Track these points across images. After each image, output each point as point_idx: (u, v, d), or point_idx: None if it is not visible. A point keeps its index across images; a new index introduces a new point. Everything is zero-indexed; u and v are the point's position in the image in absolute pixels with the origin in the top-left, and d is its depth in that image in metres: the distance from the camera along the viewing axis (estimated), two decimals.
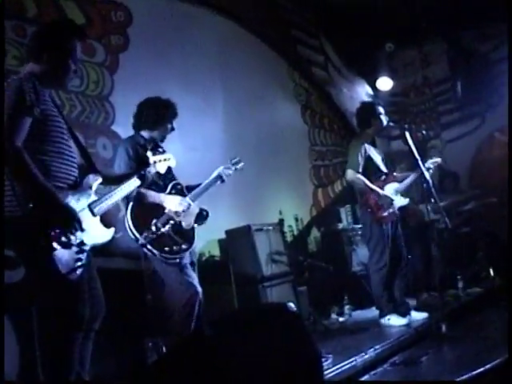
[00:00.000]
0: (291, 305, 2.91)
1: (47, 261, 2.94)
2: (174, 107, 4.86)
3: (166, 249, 4.41)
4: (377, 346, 4.81)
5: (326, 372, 3.90)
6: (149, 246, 4.33)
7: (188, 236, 4.65)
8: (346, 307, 6.90)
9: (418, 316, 5.92)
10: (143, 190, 4.42)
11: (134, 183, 3.77)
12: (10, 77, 3.27)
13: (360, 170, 5.95)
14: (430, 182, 5.68)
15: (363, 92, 10.48)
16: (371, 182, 5.97)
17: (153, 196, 4.55)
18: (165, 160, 4.18)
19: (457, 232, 8.12)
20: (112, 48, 6.40)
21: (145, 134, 4.83)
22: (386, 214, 5.93)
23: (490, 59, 9.95)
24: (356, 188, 6.17)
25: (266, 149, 8.22)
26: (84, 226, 3.15)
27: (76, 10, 6.06)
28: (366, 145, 6.13)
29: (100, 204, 3.39)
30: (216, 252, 6.78)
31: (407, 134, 5.71)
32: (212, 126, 7.49)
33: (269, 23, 9.07)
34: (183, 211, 4.62)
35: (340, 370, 4.25)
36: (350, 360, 4.43)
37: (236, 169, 5.19)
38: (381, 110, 6.25)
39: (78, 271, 3.07)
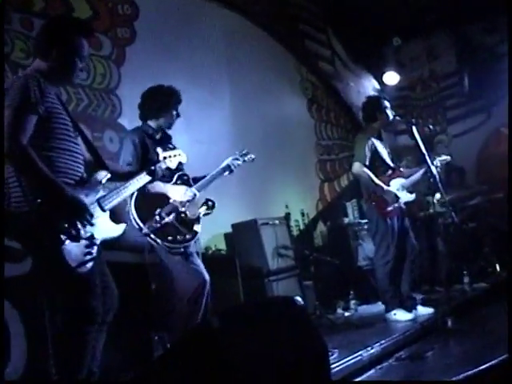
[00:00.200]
0: (298, 298, 2.91)
1: (56, 255, 2.95)
2: (177, 93, 4.84)
3: (170, 238, 4.41)
4: (382, 341, 4.80)
5: (332, 366, 3.90)
6: (152, 236, 4.33)
7: (193, 226, 4.65)
8: (352, 302, 6.91)
9: (423, 311, 5.91)
10: None
11: (143, 179, 3.77)
12: (17, 69, 3.28)
13: (367, 163, 5.94)
14: (437, 177, 5.67)
15: (370, 86, 10.47)
16: (377, 177, 5.96)
17: (158, 186, 4.54)
18: (175, 156, 4.17)
19: (463, 227, 8.11)
20: (119, 41, 6.40)
21: (151, 123, 4.83)
22: (390, 208, 5.92)
23: (497, 53, 9.91)
24: (361, 182, 6.16)
25: (272, 143, 8.21)
26: (93, 221, 3.17)
27: (83, 2, 6.05)
28: (373, 139, 6.11)
29: (109, 199, 3.40)
30: (222, 246, 6.78)
31: (414, 129, 5.69)
32: (219, 120, 7.48)
33: (276, 17, 9.05)
34: (188, 201, 4.63)
35: (346, 364, 4.25)
36: (356, 354, 4.43)
37: (245, 160, 5.17)
38: (387, 104, 6.24)
39: (88, 265, 3.08)
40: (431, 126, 10.02)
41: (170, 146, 4.34)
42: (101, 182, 3.38)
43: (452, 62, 10.57)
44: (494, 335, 4.80)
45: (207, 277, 4.53)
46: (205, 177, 4.90)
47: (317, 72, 9.82)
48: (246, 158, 5.20)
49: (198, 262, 4.62)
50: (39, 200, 2.94)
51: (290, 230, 7.30)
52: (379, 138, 6.26)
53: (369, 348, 4.58)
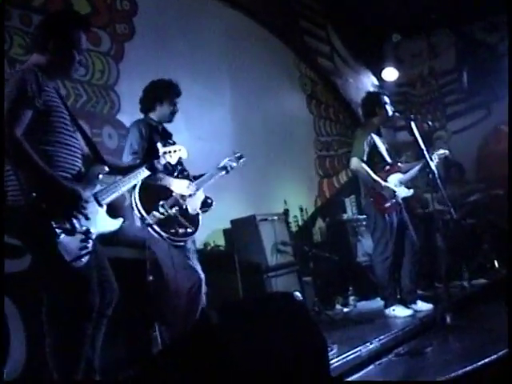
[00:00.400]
0: (297, 294, 2.91)
1: (52, 248, 2.94)
2: (175, 85, 4.85)
3: (172, 231, 4.42)
4: (381, 337, 4.80)
5: (331, 362, 3.90)
6: (155, 227, 4.34)
7: (193, 221, 4.67)
8: (351, 298, 6.93)
9: (422, 307, 5.92)
10: None
11: (142, 174, 3.77)
12: (15, 65, 3.27)
13: (365, 159, 5.94)
14: (436, 172, 5.66)
15: (369, 82, 10.47)
16: (375, 172, 5.95)
17: (161, 178, 4.56)
18: (175, 151, 4.17)
19: (462, 223, 8.12)
20: (117, 37, 6.39)
21: (152, 115, 4.86)
22: (388, 204, 5.92)
23: (498, 50, 9.92)
24: (359, 178, 6.16)
25: (271, 139, 8.22)
26: (90, 215, 3.16)
27: None
28: (372, 134, 6.11)
29: (106, 194, 3.39)
30: (221, 242, 6.78)
31: (413, 125, 5.68)
32: (219, 116, 7.48)
33: (276, 13, 9.05)
34: (190, 195, 4.64)
35: (345, 359, 4.25)
36: (355, 350, 4.42)
37: (238, 163, 5.19)
38: (386, 99, 6.24)
39: (84, 259, 3.07)
40: (430, 122, 10.00)
41: (170, 141, 4.33)
42: (98, 176, 3.37)
43: (452, 59, 10.59)
44: (493, 331, 4.80)
45: (202, 275, 4.54)
46: (203, 175, 4.91)
47: (316, 68, 9.82)
48: (240, 162, 5.24)
49: (195, 260, 4.63)
50: (34, 194, 2.94)
51: (288, 226, 7.30)
52: (378, 134, 6.26)
53: (368, 344, 4.57)
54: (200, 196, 4.79)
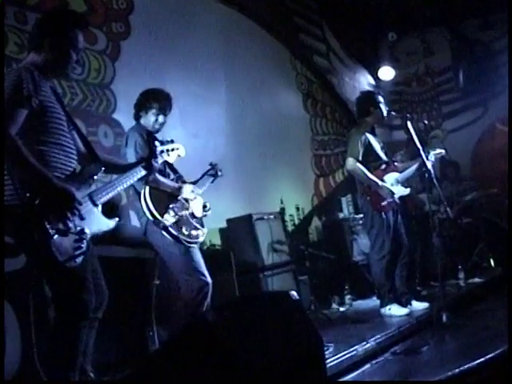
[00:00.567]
0: (294, 293, 2.91)
1: (45, 249, 2.92)
2: (156, 95, 4.82)
3: (186, 233, 4.45)
4: (378, 336, 4.81)
5: (327, 361, 3.90)
6: (171, 229, 4.35)
7: (201, 223, 4.72)
8: (347, 297, 6.92)
9: (418, 306, 5.92)
10: (159, 176, 4.44)
11: (139, 173, 3.72)
12: (10, 63, 3.25)
13: (360, 158, 5.93)
14: (432, 171, 5.66)
15: (365, 81, 10.47)
16: (371, 171, 5.95)
17: (167, 183, 4.57)
18: (173, 150, 4.15)
19: (458, 222, 8.13)
20: (113, 36, 6.37)
21: (142, 122, 4.85)
22: (385, 203, 5.91)
23: (493, 48, 9.94)
24: (356, 178, 6.15)
25: (268, 137, 8.21)
26: (85, 215, 3.14)
27: None
28: (367, 133, 6.10)
29: (101, 193, 3.37)
30: (217, 241, 6.78)
31: (409, 124, 5.68)
32: (214, 114, 7.48)
33: (271, 11, 9.04)
34: (194, 199, 4.67)
35: (341, 358, 4.26)
36: (352, 349, 4.44)
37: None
38: (381, 99, 6.23)
39: (78, 259, 3.05)
40: (426, 121, 10.04)
41: (168, 139, 4.30)
42: (93, 176, 3.35)
43: (447, 58, 10.60)
44: (489, 330, 4.81)
45: (210, 280, 4.52)
46: (198, 181, 4.93)
47: (312, 67, 9.81)
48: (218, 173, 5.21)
49: (203, 264, 4.61)
50: (28, 194, 2.92)
51: (284, 225, 7.31)
52: (373, 133, 6.25)
53: (364, 343, 4.59)
54: (200, 200, 4.80)
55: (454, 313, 5.35)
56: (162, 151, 4.02)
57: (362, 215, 6.70)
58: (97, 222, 3.30)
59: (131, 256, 5.25)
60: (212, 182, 5.09)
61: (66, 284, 3.06)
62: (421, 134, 6.64)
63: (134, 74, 6.13)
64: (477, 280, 7.30)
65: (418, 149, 5.62)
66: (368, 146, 6.04)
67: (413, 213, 7.70)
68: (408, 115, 6.05)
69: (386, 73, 10.22)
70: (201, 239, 4.64)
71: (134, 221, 5.24)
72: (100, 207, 3.36)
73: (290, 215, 8.17)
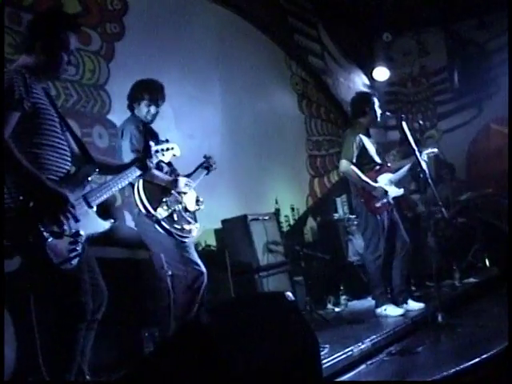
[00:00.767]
0: (289, 293, 2.90)
1: (40, 251, 2.92)
2: (150, 86, 4.84)
3: (179, 227, 4.45)
4: (373, 336, 4.81)
5: (323, 362, 3.90)
6: (163, 223, 4.35)
7: (194, 218, 4.73)
8: (342, 297, 6.92)
9: (414, 306, 5.92)
10: (152, 170, 4.44)
11: (134, 173, 3.70)
12: (5, 65, 3.24)
13: (354, 160, 5.93)
14: (427, 171, 5.66)
15: (360, 82, 10.48)
16: (365, 172, 5.95)
17: (161, 176, 4.57)
18: (167, 149, 4.14)
19: (453, 222, 8.13)
20: (108, 36, 6.36)
21: (136, 113, 4.86)
22: (379, 204, 5.91)
23: (488, 49, 9.95)
24: (350, 179, 6.15)
25: (263, 138, 8.21)
26: (80, 216, 3.13)
27: None
28: (361, 135, 6.10)
29: (96, 195, 3.36)
30: (212, 241, 6.77)
31: (404, 124, 5.68)
32: (210, 115, 7.47)
33: (266, 12, 9.03)
34: (187, 192, 4.68)
35: (337, 359, 4.25)
36: (347, 350, 4.43)
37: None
38: (375, 100, 6.23)
39: (74, 261, 3.04)
40: (421, 122, 10.06)
41: (163, 138, 4.29)
42: (87, 178, 3.34)
43: (442, 58, 10.62)
44: (485, 330, 4.81)
45: (204, 269, 4.55)
46: (191, 174, 4.92)
47: (307, 67, 9.81)
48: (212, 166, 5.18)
49: (196, 255, 4.63)
50: (21, 197, 2.92)
51: (280, 225, 7.31)
52: (367, 135, 6.24)
53: (360, 343, 4.58)
54: (193, 194, 4.80)
55: (449, 313, 5.35)
56: (156, 151, 4.00)
57: (356, 216, 6.70)
58: (92, 224, 3.29)
59: (126, 257, 5.24)
60: (206, 174, 5.07)
61: (61, 286, 3.05)
62: (416, 134, 6.63)
63: (128, 75, 6.09)
64: (472, 280, 7.31)
65: (414, 149, 5.61)
66: (362, 148, 6.04)
67: (406, 214, 7.71)
68: (403, 115, 6.03)
69: (381, 73, 10.24)
70: (194, 234, 4.63)
71: (129, 222, 5.24)
72: (95, 209, 3.35)
73: (285, 216, 8.18)
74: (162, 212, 4.38)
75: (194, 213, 4.75)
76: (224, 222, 6.64)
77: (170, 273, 4.55)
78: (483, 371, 3.71)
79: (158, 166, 4.57)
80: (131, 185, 4.47)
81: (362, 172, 5.92)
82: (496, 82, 9.54)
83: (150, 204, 4.39)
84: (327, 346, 4.55)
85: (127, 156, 4.49)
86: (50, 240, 2.93)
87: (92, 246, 3.41)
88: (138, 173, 3.74)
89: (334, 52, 10.31)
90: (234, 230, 6.57)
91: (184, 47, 7.26)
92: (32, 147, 3.12)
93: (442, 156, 8.35)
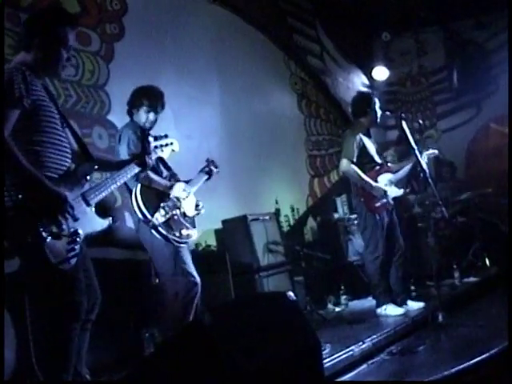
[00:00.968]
0: (291, 293, 2.90)
1: (38, 251, 2.91)
2: (150, 92, 4.84)
3: (176, 233, 4.43)
4: (374, 336, 4.81)
5: (324, 361, 3.90)
6: (160, 229, 4.33)
7: (192, 223, 4.69)
8: (343, 297, 6.92)
9: (414, 305, 5.93)
10: (151, 174, 4.43)
11: (132, 170, 3.70)
12: (4, 66, 3.23)
13: (354, 160, 5.93)
14: (427, 171, 5.66)
15: (359, 81, 10.47)
16: (365, 172, 5.95)
17: (158, 181, 4.56)
18: (166, 145, 4.12)
19: (453, 222, 8.13)
20: (107, 37, 6.36)
21: (134, 118, 4.85)
22: (379, 204, 5.92)
23: (487, 48, 9.95)
24: (350, 179, 6.15)
25: (262, 138, 8.21)
26: (78, 215, 3.13)
27: None
28: (361, 135, 6.10)
29: (94, 193, 3.35)
30: (212, 242, 6.76)
31: (404, 123, 5.68)
32: (208, 115, 7.47)
33: (265, 12, 9.03)
34: (186, 197, 4.64)
35: (338, 359, 4.26)
36: (348, 349, 4.43)
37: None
38: (376, 101, 6.23)
39: (72, 261, 3.04)
40: (421, 121, 10.04)
41: (162, 134, 4.26)
42: (86, 175, 3.34)
43: (441, 58, 10.61)
44: (485, 329, 4.81)
45: (198, 280, 4.53)
46: (191, 180, 4.92)
47: (306, 67, 9.80)
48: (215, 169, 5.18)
49: (191, 264, 4.61)
50: (20, 196, 2.91)
51: (280, 225, 7.30)
52: (367, 135, 6.24)
53: (360, 343, 4.59)
54: (193, 199, 4.78)
55: (449, 312, 5.35)
56: (155, 147, 3.99)
57: (356, 215, 6.70)
58: (90, 222, 3.29)
59: (126, 258, 5.24)
60: (207, 179, 5.05)
61: (58, 286, 3.05)
62: (415, 133, 6.63)
63: (128, 76, 6.11)
64: (472, 279, 7.31)
65: (413, 149, 5.61)
66: (362, 148, 6.05)
67: (402, 215, 7.71)
68: (402, 115, 6.03)
69: (380, 73, 10.22)
70: (192, 239, 4.62)
71: (129, 222, 5.23)
72: (93, 207, 3.35)
73: (285, 216, 8.18)
74: (159, 217, 4.35)
75: (193, 218, 4.73)
76: (224, 222, 6.64)
77: (157, 281, 4.56)
78: (483, 370, 3.71)
79: (158, 172, 4.58)
80: (129, 191, 4.47)
81: (363, 172, 5.92)
82: (495, 82, 9.55)
83: (148, 209, 4.36)
84: (328, 345, 4.55)
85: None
86: (48, 240, 2.93)
87: (93, 247, 3.41)
88: (137, 169, 3.74)
89: (333, 52, 10.30)
90: (235, 231, 6.57)
91: (183, 48, 7.26)
92: (32, 145, 3.11)
93: (442, 155, 8.34)
